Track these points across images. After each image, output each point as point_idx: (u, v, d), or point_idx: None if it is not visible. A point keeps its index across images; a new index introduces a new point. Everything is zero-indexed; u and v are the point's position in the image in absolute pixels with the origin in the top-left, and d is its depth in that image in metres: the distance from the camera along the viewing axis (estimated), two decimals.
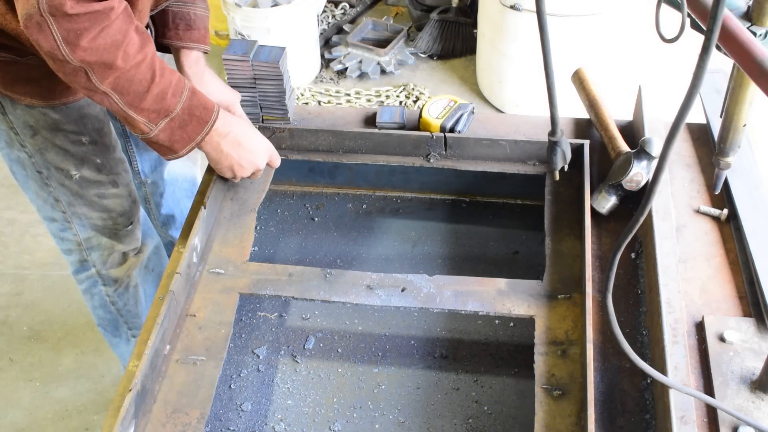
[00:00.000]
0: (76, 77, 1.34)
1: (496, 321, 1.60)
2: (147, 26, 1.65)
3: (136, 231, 1.92)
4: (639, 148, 1.54)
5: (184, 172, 2.17)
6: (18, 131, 1.61)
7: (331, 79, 3.94)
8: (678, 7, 1.03)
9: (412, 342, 1.58)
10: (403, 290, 1.44)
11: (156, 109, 1.40)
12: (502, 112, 3.65)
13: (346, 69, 3.91)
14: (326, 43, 4.12)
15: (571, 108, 1.86)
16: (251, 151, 1.56)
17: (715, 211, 1.55)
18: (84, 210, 1.78)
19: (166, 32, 1.68)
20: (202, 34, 1.71)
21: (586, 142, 1.63)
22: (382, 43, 4.02)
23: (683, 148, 1.71)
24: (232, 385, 1.50)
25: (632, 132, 1.73)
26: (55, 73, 1.40)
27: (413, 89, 3.78)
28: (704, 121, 1.74)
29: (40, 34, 1.26)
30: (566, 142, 1.40)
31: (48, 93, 1.56)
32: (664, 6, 1.09)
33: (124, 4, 1.34)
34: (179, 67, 1.69)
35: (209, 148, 1.53)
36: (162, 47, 1.69)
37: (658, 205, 1.51)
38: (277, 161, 1.65)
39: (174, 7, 1.68)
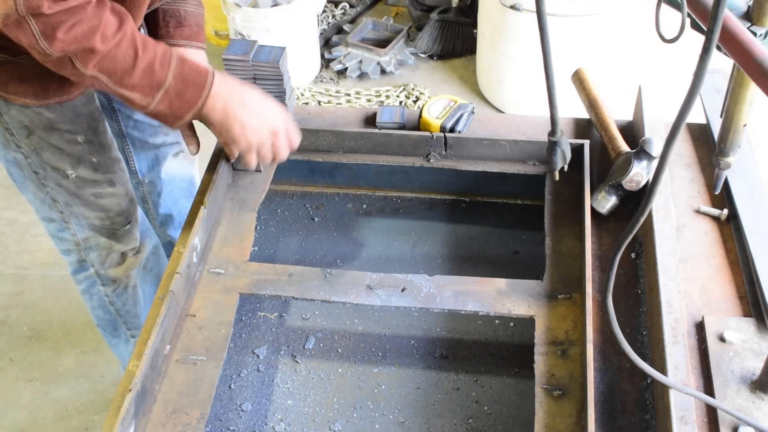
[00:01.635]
0: (62, 67, 1.35)
1: (496, 321, 1.60)
2: (140, 27, 1.65)
3: (134, 231, 1.92)
4: (639, 148, 1.54)
5: (182, 171, 2.17)
6: (13, 132, 1.61)
7: (331, 79, 3.94)
8: (678, 7, 1.03)
9: (412, 342, 1.58)
10: (403, 290, 1.44)
11: (147, 83, 1.40)
12: (502, 112, 3.65)
13: (346, 69, 3.91)
14: (326, 43, 4.12)
15: (571, 108, 1.86)
16: (260, 113, 1.49)
17: (715, 211, 1.55)
18: (81, 210, 1.78)
19: (157, 31, 1.68)
20: (195, 31, 1.70)
21: (586, 142, 1.63)
22: (382, 43, 4.02)
23: (683, 148, 1.71)
24: (232, 385, 1.50)
25: (632, 132, 1.73)
26: (47, 73, 1.40)
27: (413, 89, 3.78)
28: (704, 121, 1.74)
29: (19, 31, 1.28)
30: (566, 142, 1.40)
31: (42, 92, 1.56)
32: (664, 6, 1.09)
33: None
34: None
35: (215, 115, 1.47)
36: None
37: (658, 205, 1.51)
38: (295, 136, 1.57)
39: (165, 5, 1.68)
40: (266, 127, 1.52)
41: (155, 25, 1.68)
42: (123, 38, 1.36)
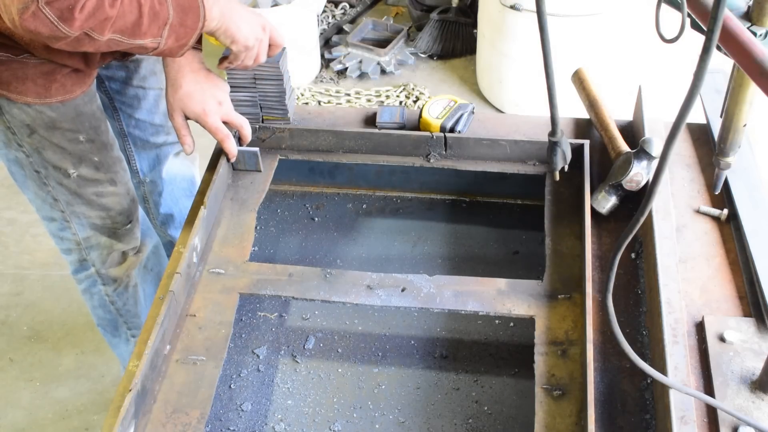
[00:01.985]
0: (80, 43, 1.35)
1: (496, 321, 1.60)
2: None
3: (135, 230, 1.93)
4: (639, 148, 1.54)
5: (183, 171, 2.17)
6: (15, 131, 1.61)
7: (331, 79, 3.94)
8: (678, 7, 1.03)
9: (412, 342, 1.58)
10: (403, 290, 1.44)
11: (155, 25, 1.41)
12: (502, 112, 3.65)
13: (346, 69, 3.91)
14: (326, 43, 4.12)
15: (571, 108, 1.86)
16: (248, 14, 1.54)
17: (715, 211, 1.55)
18: (83, 209, 1.78)
19: None
20: None
21: (586, 142, 1.63)
22: (382, 43, 4.02)
23: (683, 148, 1.71)
24: (232, 385, 1.50)
25: (632, 132, 1.73)
26: (49, 72, 1.39)
27: (413, 89, 3.78)
28: (704, 121, 1.74)
29: (36, 23, 1.28)
30: (566, 142, 1.40)
31: (44, 91, 1.56)
32: (664, 6, 1.09)
33: None
34: (163, 64, 1.68)
35: (213, 26, 1.50)
36: None
37: (658, 205, 1.51)
38: (278, 37, 1.62)
39: None
40: (258, 23, 1.56)
41: None
42: None
